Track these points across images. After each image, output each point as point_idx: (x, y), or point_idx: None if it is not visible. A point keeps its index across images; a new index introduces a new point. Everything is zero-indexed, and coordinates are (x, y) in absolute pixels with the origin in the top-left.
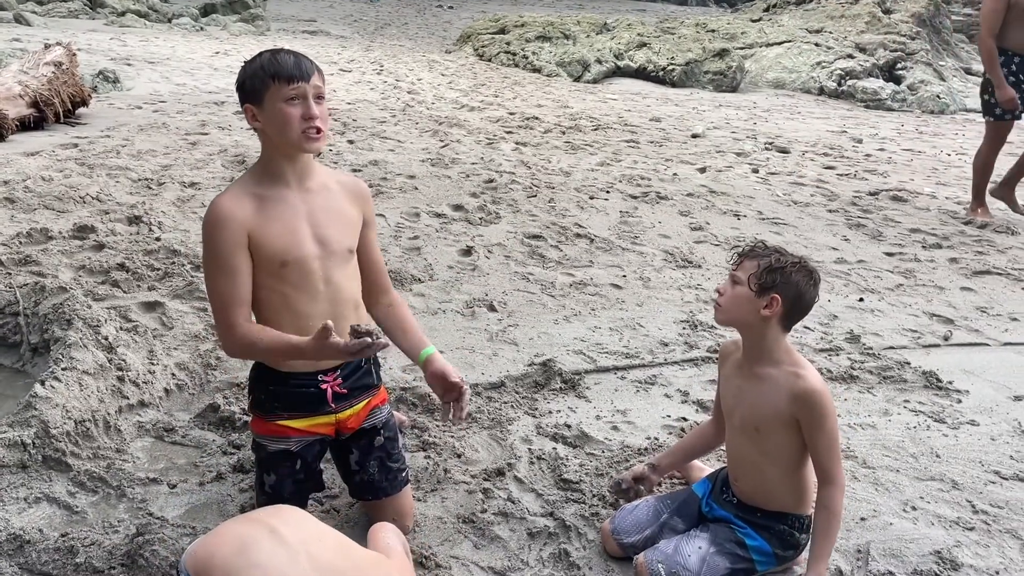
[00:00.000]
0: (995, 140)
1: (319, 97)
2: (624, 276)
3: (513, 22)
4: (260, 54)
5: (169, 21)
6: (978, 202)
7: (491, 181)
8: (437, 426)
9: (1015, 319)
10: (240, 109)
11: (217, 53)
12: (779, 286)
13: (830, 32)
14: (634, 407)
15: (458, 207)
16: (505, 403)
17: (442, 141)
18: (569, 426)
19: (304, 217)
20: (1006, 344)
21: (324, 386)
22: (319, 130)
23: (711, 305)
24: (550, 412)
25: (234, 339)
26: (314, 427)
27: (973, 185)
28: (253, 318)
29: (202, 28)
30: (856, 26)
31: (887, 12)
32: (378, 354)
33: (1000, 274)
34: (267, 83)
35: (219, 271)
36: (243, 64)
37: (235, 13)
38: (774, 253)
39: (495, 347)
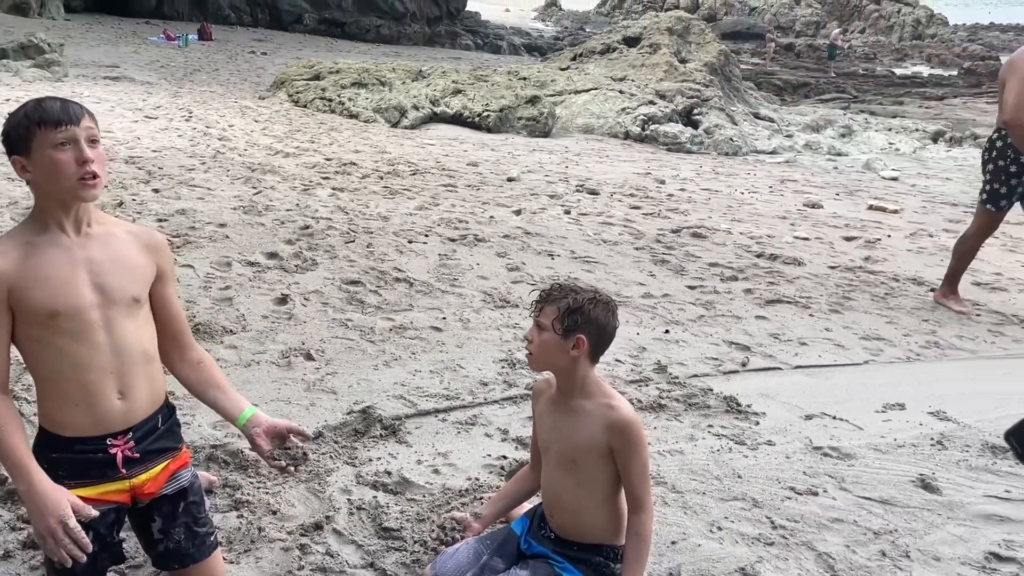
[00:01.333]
0: (987, 229)
1: (92, 141)
2: (444, 318)
3: (328, 68)
4: (24, 103)
5: None
6: (951, 288)
7: (307, 227)
8: (251, 483)
9: (804, 343)
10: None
11: (8, 100)
12: (582, 326)
13: (633, 80)
14: (455, 449)
15: (272, 255)
16: (324, 454)
17: (255, 188)
18: (390, 473)
19: (81, 264)
20: (797, 367)
21: (113, 450)
22: (95, 175)
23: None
24: (370, 460)
25: None
26: (105, 495)
27: (950, 270)
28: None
29: None
30: (656, 74)
31: (683, 61)
32: (180, 413)
33: (790, 302)
34: (33, 130)
35: None
36: (7, 115)
37: (29, 58)
38: (570, 293)
39: (313, 397)
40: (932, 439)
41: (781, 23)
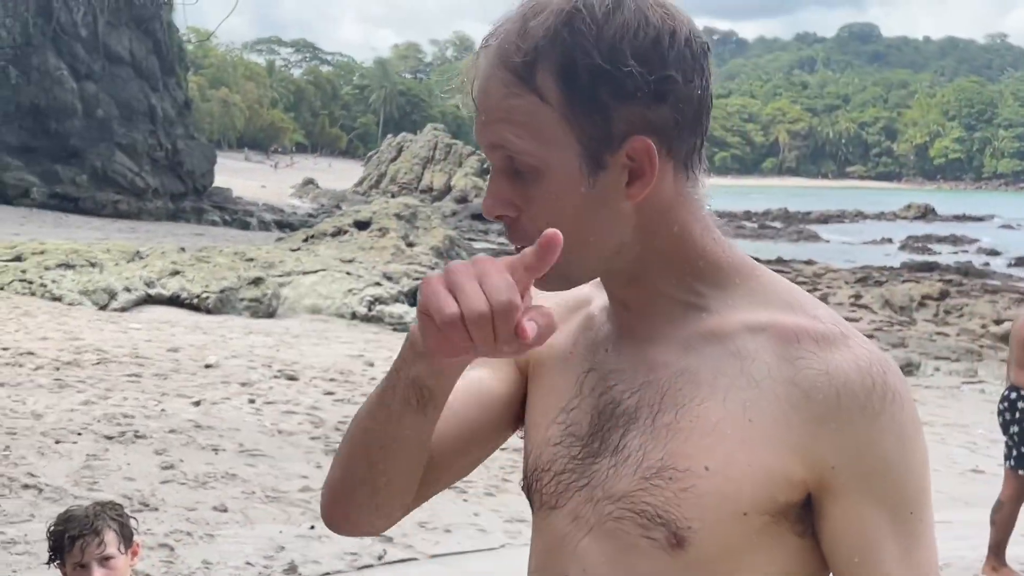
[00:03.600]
0: (1021, 493)
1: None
2: None
3: (32, 249)
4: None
5: None
6: (998, 560)
7: None
8: None
9: (448, 531)
10: None
11: None
12: (132, 532)
13: (361, 262)
14: None
15: None
16: None
17: None
18: None
19: None
20: (433, 556)
21: None
22: None
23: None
24: None
25: None
26: None
27: (993, 542)
28: None
29: None
30: (383, 257)
31: (410, 245)
32: None
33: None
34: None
35: None
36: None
37: None
38: (110, 507)
39: None
40: None
41: None
